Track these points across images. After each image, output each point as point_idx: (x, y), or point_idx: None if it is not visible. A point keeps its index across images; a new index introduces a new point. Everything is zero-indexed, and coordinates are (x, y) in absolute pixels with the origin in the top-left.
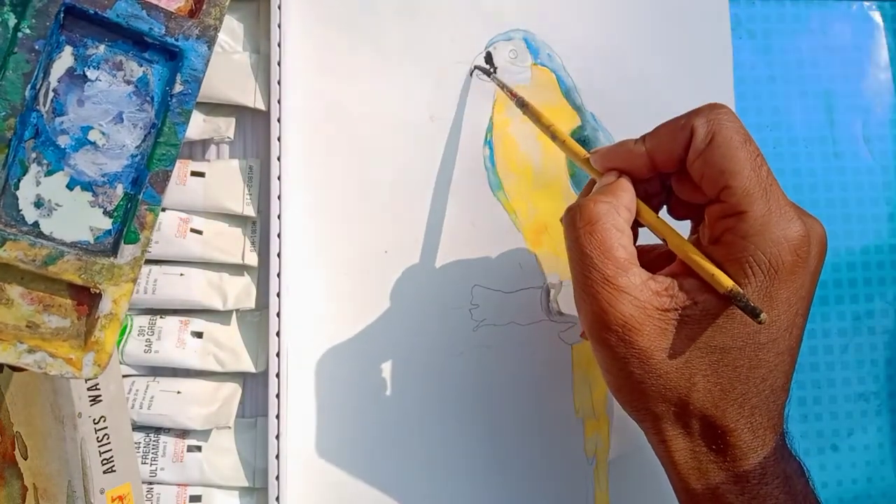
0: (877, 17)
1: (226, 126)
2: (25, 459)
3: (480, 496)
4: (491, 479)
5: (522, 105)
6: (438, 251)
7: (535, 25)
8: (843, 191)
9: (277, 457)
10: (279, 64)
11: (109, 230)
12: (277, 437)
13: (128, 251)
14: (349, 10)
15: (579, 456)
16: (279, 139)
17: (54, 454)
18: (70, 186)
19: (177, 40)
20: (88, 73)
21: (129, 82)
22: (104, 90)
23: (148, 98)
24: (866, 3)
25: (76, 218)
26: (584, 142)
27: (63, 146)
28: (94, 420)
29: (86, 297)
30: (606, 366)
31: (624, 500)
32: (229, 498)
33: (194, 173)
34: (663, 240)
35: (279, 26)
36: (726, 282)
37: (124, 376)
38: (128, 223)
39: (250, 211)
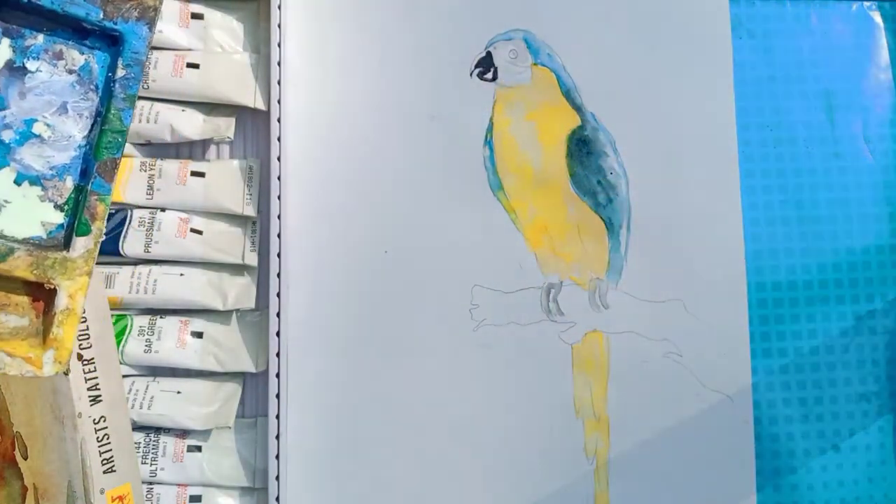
0: (877, 17)
1: (226, 126)
2: (25, 459)
3: (480, 496)
4: (491, 479)
5: None
6: (438, 251)
7: (535, 25)
8: (843, 191)
9: (277, 457)
10: (279, 64)
11: (62, 224)
12: (277, 437)
13: (80, 244)
14: (349, 10)
15: (579, 456)
16: (279, 139)
17: (54, 454)
18: (18, 182)
19: (116, 24)
20: (28, 65)
21: (71, 71)
22: (46, 81)
23: (92, 86)
24: (866, 3)
25: (27, 213)
26: (584, 142)
27: (7, 141)
28: (94, 420)
29: (42, 294)
30: None
31: (624, 500)
32: (229, 498)
33: (194, 173)
34: None
35: (279, 26)
36: None
37: (124, 376)
38: (79, 215)
39: (250, 211)
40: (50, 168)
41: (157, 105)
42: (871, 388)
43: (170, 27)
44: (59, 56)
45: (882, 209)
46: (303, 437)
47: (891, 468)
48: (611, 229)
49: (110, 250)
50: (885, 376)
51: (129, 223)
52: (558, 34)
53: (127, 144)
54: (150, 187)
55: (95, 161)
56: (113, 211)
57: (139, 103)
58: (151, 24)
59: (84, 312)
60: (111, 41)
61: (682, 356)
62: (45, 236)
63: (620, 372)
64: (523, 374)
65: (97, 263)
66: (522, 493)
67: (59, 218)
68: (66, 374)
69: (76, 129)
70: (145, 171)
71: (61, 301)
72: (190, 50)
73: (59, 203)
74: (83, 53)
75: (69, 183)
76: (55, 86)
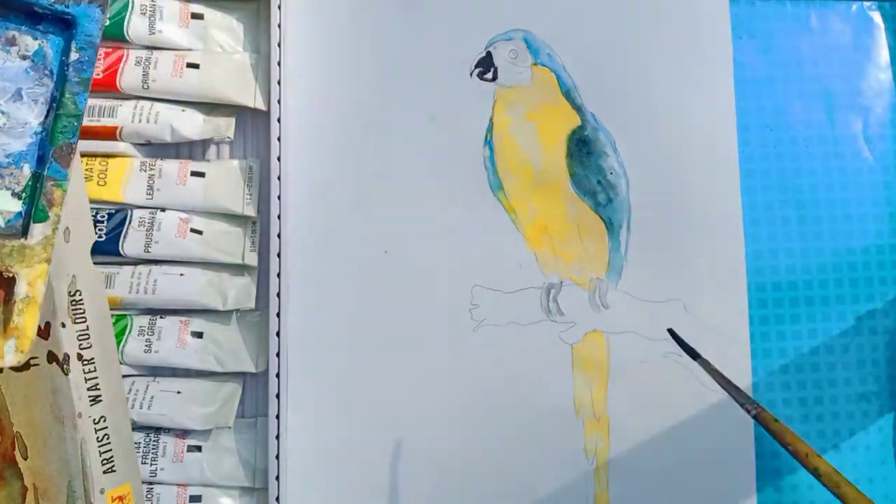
0: (877, 17)
1: (226, 126)
2: (25, 459)
3: (480, 496)
4: (491, 478)
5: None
6: (438, 251)
7: (535, 25)
8: (843, 191)
9: (277, 457)
10: (279, 64)
11: (20, 212)
12: (277, 437)
13: (38, 230)
14: (349, 9)
15: (579, 456)
16: (279, 139)
17: (54, 454)
18: None
19: (68, 7)
20: None
21: (24, 57)
22: None
23: (46, 72)
24: (866, 3)
25: None
26: (584, 142)
27: None
28: (94, 420)
29: (1, 283)
30: None
31: (624, 500)
32: (229, 498)
33: (194, 173)
34: None
35: (279, 26)
36: None
37: (124, 376)
38: (36, 202)
39: (250, 211)
40: (6, 156)
41: (157, 105)
42: (871, 388)
43: (170, 27)
44: (11, 42)
45: (882, 209)
46: (303, 437)
47: (891, 468)
48: (611, 229)
49: (110, 250)
50: (885, 376)
51: (129, 223)
52: (558, 34)
53: (127, 144)
54: (150, 187)
55: (51, 147)
56: (113, 211)
57: (139, 103)
58: (104, 6)
59: (84, 312)
60: (64, 25)
61: (682, 356)
62: (3, 225)
63: (620, 372)
64: (523, 374)
65: (97, 263)
66: (522, 493)
67: (16, 206)
68: (66, 374)
69: (32, 116)
70: (145, 171)
71: (21, 289)
72: (190, 50)
73: (16, 191)
74: (36, 38)
75: (26, 170)
76: (9, 72)
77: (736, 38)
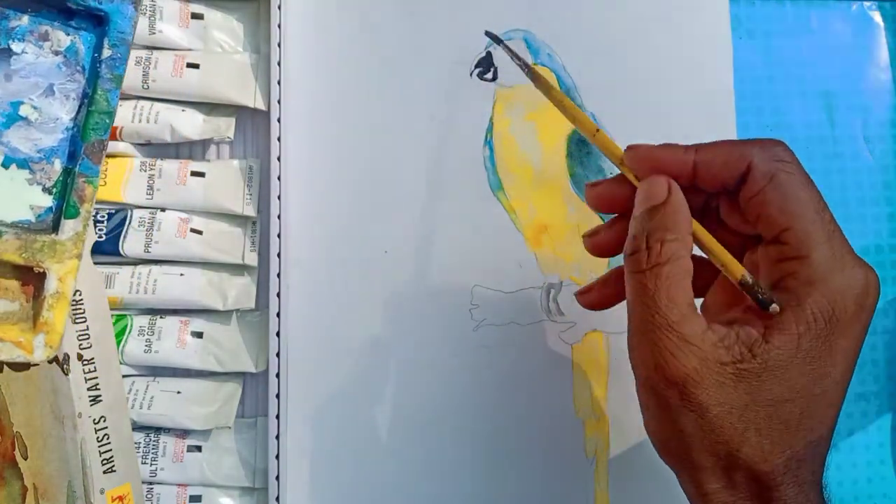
0: (877, 17)
1: (226, 126)
2: (25, 459)
3: (480, 496)
4: (491, 479)
5: (538, 81)
6: (438, 251)
7: (535, 25)
8: (843, 191)
9: (277, 457)
10: (279, 64)
11: (51, 207)
12: (277, 437)
13: (69, 226)
14: (349, 10)
15: (579, 456)
16: (279, 139)
17: (54, 454)
18: (5, 165)
19: (101, 4)
20: (13, 46)
21: (57, 53)
22: (32, 63)
23: (78, 68)
24: (866, 3)
25: (15, 197)
26: (584, 142)
27: None
28: (94, 420)
29: (31, 278)
30: (656, 415)
31: (624, 500)
32: (229, 498)
33: (194, 173)
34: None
35: (279, 26)
36: (738, 270)
37: (124, 376)
38: (67, 198)
39: (250, 211)
40: (37, 151)
41: (157, 105)
42: (871, 387)
43: (170, 27)
44: (44, 37)
45: (882, 209)
46: (303, 437)
47: (889, 468)
48: None
49: (110, 250)
50: (884, 376)
51: (129, 223)
52: (558, 34)
53: (127, 144)
54: (150, 187)
55: (83, 143)
56: (113, 211)
57: (139, 103)
58: (137, 4)
59: (84, 312)
60: (97, 21)
61: None
62: (33, 220)
63: (620, 372)
64: (523, 374)
65: (97, 263)
66: (523, 493)
67: (47, 201)
68: (66, 374)
69: (63, 111)
70: (145, 171)
71: (51, 284)
72: (190, 50)
73: (47, 186)
74: (69, 34)
75: (57, 166)
76: (41, 67)
77: (736, 38)
